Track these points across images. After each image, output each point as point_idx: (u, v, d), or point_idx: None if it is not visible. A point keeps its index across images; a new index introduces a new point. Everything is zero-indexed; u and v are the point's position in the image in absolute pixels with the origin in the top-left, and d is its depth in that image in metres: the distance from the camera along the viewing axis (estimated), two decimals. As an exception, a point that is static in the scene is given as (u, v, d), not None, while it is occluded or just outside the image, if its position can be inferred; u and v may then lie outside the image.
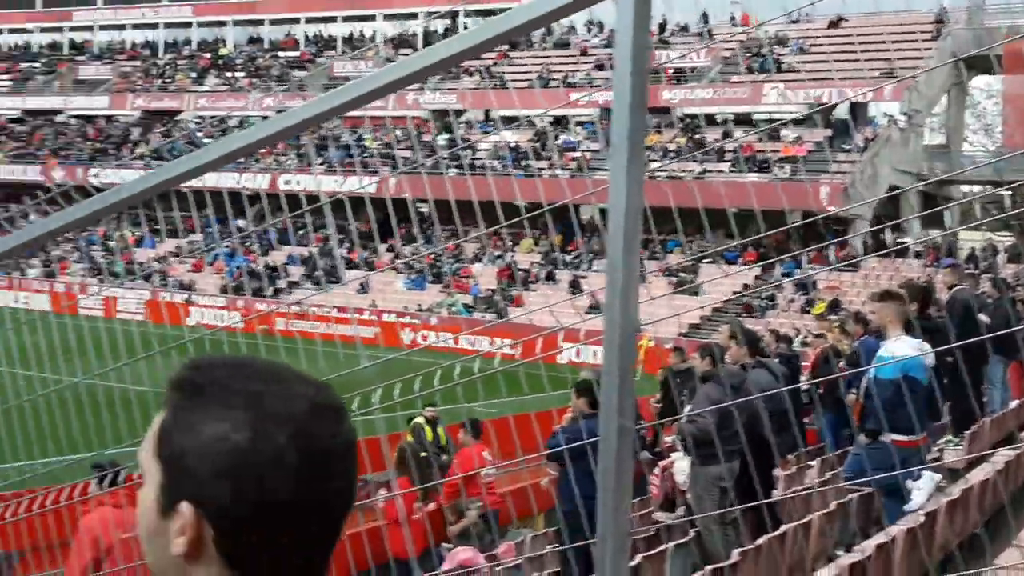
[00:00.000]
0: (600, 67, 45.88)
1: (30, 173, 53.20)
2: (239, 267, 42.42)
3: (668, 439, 10.29)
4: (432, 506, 9.57)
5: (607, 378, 1.54)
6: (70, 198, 2.59)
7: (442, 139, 45.26)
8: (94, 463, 6.51)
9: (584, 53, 47.60)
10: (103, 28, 63.22)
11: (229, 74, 56.33)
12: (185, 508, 1.09)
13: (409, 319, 36.30)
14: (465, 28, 50.11)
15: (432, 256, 38.07)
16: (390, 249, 42.32)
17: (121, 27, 62.71)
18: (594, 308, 30.40)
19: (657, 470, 8.92)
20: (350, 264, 41.90)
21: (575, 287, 36.20)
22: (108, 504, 6.51)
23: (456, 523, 8.94)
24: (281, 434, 1.09)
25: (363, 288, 38.29)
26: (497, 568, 7.31)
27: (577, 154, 40.57)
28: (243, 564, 1.10)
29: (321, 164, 45.45)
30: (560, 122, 44.01)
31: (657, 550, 6.51)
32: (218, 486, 1.08)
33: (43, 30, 64.66)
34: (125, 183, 2.43)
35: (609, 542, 1.58)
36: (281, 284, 41.03)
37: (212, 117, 52.90)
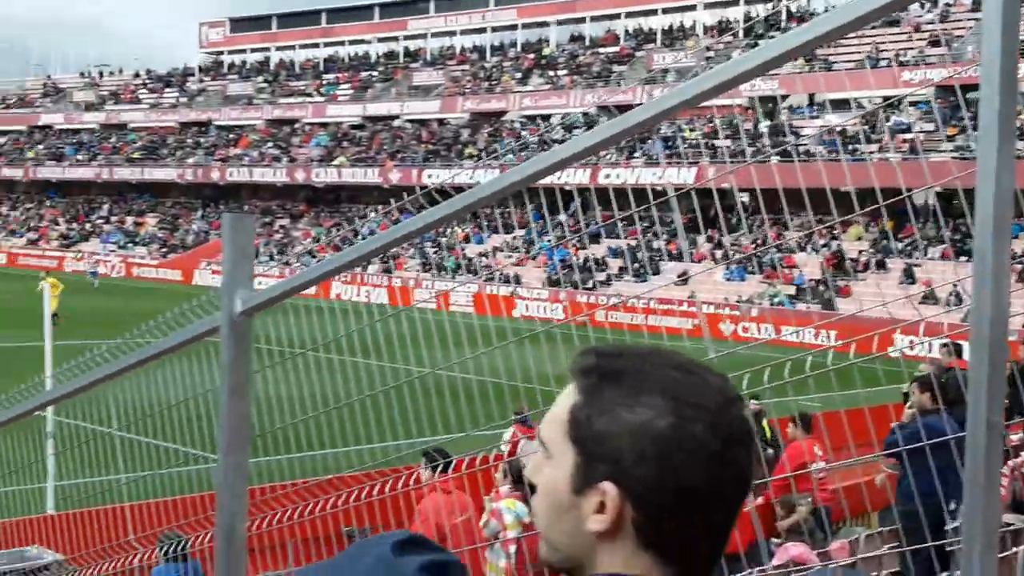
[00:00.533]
0: (935, 43, 43.38)
1: (369, 176, 56.89)
2: (561, 260, 43.47)
3: (1014, 437, 9.62)
4: (760, 500, 9.43)
5: (975, 372, 1.48)
6: (432, 199, 2.77)
7: (764, 126, 44.36)
8: (424, 450, 6.85)
9: (917, 30, 45.17)
10: (435, 35, 66.68)
11: (552, 73, 57.81)
12: (609, 488, 1.13)
13: (729, 311, 35.87)
14: (787, 10, 48.78)
15: (753, 246, 37.40)
16: (709, 240, 41.99)
17: (452, 33, 65.89)
18: (928, 298, 28.82)
19: (1006, 469, 8.36)
20: (669, 256, 41.95)
21: (909, 275, 34.47)
22: (441, 490, 6.85)
23: (786, 518, 8.77)
24: (700, 422, 1.12)
25: (683, 279, 38.22)
26: (831, 566, 7.10)
27: (910, 136, 38.57)
28: (657, 546, 1.13)
29: (640, 157, 45.75)
30: (892, 103, 42.00)
31: (1008, 552, 6.12)
32: (641, 470, 1.12)
33: (380, 40, 69.03)
34: (485, 183, 2.56)
35: (978, 541, 1.52)
36: (601, 277, 41.66)
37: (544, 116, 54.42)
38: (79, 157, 71.78)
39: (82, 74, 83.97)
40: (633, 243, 42.72)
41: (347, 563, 0.87)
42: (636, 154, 46.04)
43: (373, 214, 54.25)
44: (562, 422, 1.17)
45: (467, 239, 48.81)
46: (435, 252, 48.46)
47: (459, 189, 2.64)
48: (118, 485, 5.29)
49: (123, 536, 5.60)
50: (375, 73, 67.17)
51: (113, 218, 66.49)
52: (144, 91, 77.31)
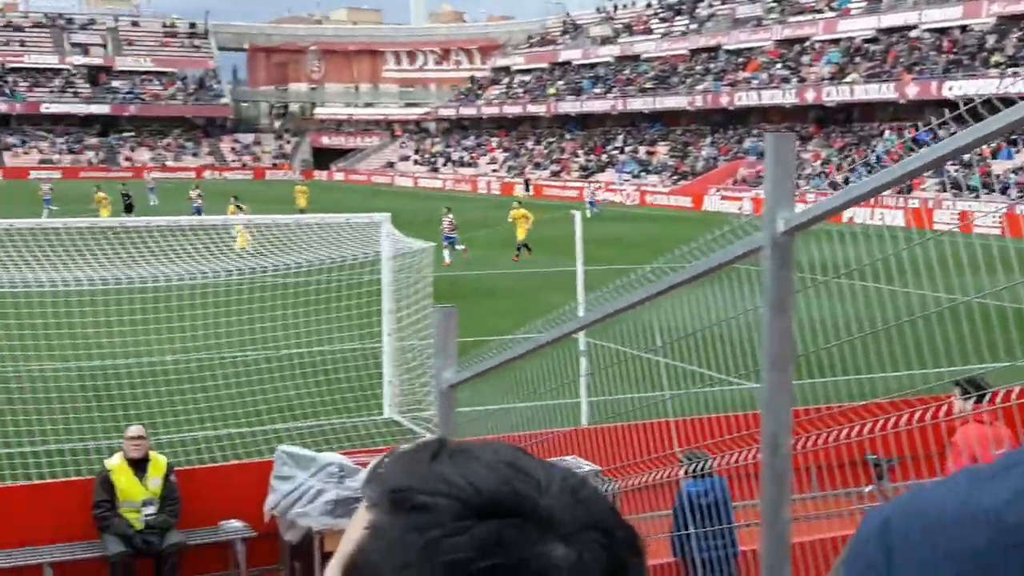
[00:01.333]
0: None
1: (884, 91, 54.34)
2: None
3: None
4: None
5: None
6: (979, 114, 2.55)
7: None
8: (957, 380, 6.48)
9: None
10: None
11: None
12: None
13: None
14: None
15: None
16: None
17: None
18: None
19: None
20: None
21: None
22: (978, 421, 6.47)
23: None
24: None
25: None
26: None
27: None
28: None
29: None
30: None
31: None
32: None
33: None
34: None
35: None
36: None
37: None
38: (595, 90, 75.51)
39: (598, 9, 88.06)
40: None
41: None
42: None
43: (888, 132, 51.88)
44: None
45: (994, 154, 45.12)
46: (956, 170, 45.34)
47: (985, 102, 2.42)
48: (656, 402, 5.54)
49: (662, 450, 5.87)
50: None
51: (627, 148, 69.33)
52: (656, 21, 79.38)
